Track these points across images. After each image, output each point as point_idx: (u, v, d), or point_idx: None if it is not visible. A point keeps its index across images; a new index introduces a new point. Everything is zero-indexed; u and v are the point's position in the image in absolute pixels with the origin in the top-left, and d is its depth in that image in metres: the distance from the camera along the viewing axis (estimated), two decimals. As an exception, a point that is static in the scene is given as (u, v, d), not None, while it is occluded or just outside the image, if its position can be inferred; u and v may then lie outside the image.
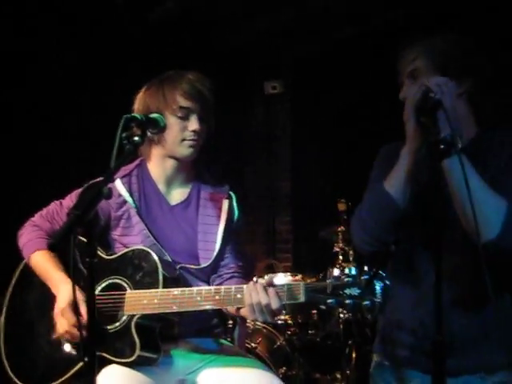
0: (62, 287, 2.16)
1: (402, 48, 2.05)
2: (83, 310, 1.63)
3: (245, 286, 2.00)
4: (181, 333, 2.25)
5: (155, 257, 2.13)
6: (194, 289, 2.09)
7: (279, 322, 4.01)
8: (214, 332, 2.36)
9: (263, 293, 1.95)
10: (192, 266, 2.27)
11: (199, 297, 2.04)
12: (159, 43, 4.65)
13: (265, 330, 3.94)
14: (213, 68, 2.74)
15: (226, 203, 2.38)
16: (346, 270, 1.89)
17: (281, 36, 5.32)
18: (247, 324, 3.87)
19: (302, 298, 1.92)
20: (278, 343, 3.92)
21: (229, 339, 2.55)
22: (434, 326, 1.60)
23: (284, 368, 3.83)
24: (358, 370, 3.96)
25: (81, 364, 2.11)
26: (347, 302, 1.86)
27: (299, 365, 3.93)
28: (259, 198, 5.72)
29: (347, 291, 1.86)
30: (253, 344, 3.80)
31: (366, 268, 1.89)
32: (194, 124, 2.26)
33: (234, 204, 2.41)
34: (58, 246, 1.41)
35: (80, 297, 2.06)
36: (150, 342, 2.11)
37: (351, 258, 4.13)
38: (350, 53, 4.93)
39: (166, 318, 2.14)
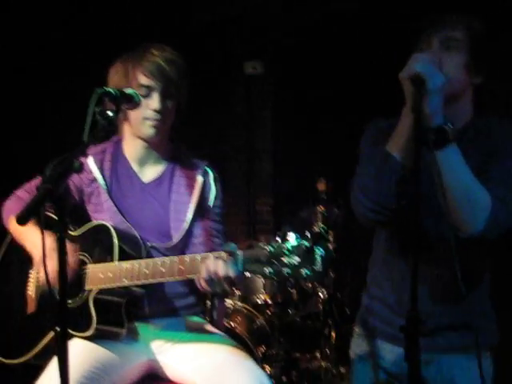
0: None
1: (442, 11, 1.96)
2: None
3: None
4: (152, 312, 2.24)
5: (113, 231, 2.12)
6: (151, 261, 2.06)
7: (259, 301, 4.01)
8: (189, 311, 2.34)
9: (213, 261, 1.94)
10: (161, 245, 2.24)
11: (163, 268, 2.02)
12: (137, 21, 4.57)
13: (244, 310, 3.93)
14: (192, 47, 2.69)
15: (199, 179, 2.33)
16: (288, 238, 1.82)
17: (262, 16, 5.26)
18: (226, 304, 3.87)
19: (240, 267, 1.89)
20: (258, 323, 3.91)
21: (207, 318, 2.53)
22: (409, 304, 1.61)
23: (264, 347, 3.84)
24: (338, 349, 3.99)
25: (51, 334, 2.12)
26: (285, 270, 1.81)
27: (279, 344, 3.93)
28: (239, 179, 5.70)
29: (285, 260, 1.81)
30: (232, 324, 3.80)
31: (307, 235, 1.83)
32: (155, 102, 2.21)
33: (211, 180, 2.36)
34: (28, 219, 1.39)
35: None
36: (111, 317, 2.11)
37: (331, 238, 4.15)
38: (331, 32, 4.90)
39: (129, 292, 2.12)
